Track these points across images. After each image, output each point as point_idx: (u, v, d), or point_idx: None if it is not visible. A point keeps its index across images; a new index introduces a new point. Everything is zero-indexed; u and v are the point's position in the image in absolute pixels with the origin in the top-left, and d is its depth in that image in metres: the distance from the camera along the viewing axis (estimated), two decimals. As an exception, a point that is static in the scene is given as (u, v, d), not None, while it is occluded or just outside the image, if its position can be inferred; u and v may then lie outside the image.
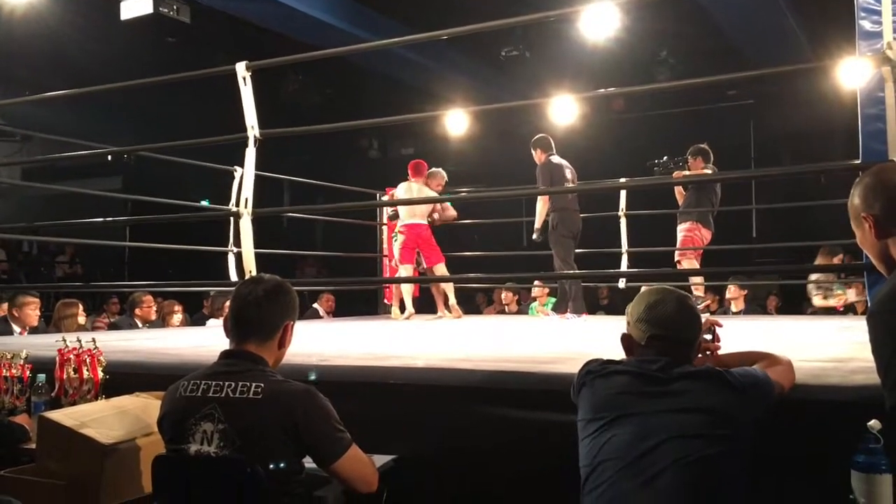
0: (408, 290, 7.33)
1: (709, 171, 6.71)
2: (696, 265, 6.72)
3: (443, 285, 7.32)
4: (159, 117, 10.48)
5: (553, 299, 8.47)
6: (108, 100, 9.62)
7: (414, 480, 2.57)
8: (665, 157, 6.83)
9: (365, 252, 8.79)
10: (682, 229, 6.73)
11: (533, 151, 6.69)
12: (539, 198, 6.59)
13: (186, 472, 2.18)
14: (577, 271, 6.56)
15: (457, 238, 9.72)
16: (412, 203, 7.24)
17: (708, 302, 7.01)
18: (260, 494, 2.06)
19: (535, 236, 6.62)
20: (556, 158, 6.59)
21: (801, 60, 8.60)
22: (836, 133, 8.58)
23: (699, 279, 6.77)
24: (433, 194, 7.21)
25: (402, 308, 7.39)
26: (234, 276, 5.84)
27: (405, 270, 7.15)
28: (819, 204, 7.76)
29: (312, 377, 2.76)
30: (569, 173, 6.59)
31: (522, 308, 8.98)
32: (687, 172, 6.67)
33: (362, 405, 2.69)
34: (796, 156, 10.48)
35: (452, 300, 7.27)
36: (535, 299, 8.66)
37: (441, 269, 7.17)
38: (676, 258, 6.75)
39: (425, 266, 7.23)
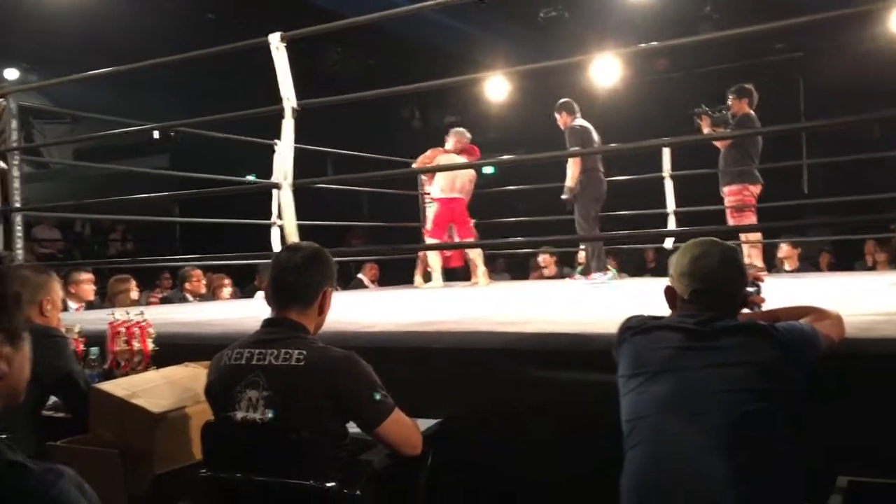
0: (436, 261, 7.25)
1: (751, 113, 6.42)
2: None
3: (474, 255, 7.32)
4: (205, 95, 10.54)
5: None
6: (154, 79, 9.72)
7: (458, 443, 2.58)
8: (702, 106, 6.62)
9: (409, 222, 8.79)
10: (728, 192, 6.39)
11: (557, 115, 6.62)
12: (571, 160, 6.44)
13: (234, 438, 2.22)
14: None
15: (503, 204, 9.67)
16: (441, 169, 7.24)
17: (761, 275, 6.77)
18: (305, 459, 2.09)
19: (565, 196, 6.43)
20: (581, 121, 6.51)
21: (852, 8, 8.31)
22: (889, 84, 8.29)
23: (755, 239, 6.49)
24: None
25: (428, 278, 7.39)
26: (277, 249, 5.89)
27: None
28: (873, 157, 7.52)
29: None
30: (595, 136, 6.51)
31: (565, 271, 8.89)
32: (722, 131, 6.36)
33: (406, 370, 2.70)
34: (847, 108, 10.15)
35: (482, 268, 7.28)
36: (580, 263, 8.54)
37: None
38: (731, 223, 6.39)
39: (458, 239, 7.20)
